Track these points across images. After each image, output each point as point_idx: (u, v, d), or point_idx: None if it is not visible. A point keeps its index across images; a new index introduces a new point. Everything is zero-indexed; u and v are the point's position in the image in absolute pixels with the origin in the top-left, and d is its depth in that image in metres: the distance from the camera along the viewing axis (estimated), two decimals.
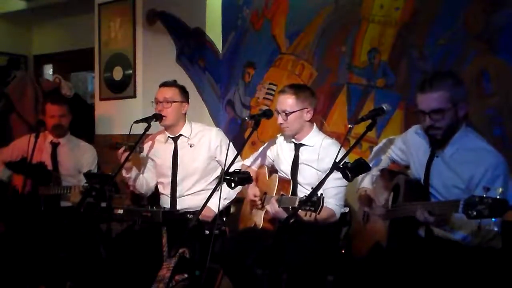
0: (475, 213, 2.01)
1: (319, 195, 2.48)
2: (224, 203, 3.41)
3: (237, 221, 3.53)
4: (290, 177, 3.18)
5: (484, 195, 2.02)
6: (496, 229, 2.06)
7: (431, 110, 2.48)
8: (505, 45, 3.41)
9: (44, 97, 5.24)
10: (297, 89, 3.16)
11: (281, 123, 3.13)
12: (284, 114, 3.09)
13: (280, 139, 3.35)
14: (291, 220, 2.74)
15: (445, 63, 3.63)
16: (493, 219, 2.03)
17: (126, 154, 3.32)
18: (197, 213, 3.10)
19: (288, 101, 3.09)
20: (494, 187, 2.09)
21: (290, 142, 3.23)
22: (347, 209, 3.14)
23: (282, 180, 3.16)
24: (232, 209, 3.68)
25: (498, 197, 2.00)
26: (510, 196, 2.41)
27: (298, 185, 3.15)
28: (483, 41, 3.49)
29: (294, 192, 3.14)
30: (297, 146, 3.19)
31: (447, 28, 3.63)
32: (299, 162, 3.17)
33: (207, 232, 3.29)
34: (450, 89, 2.47)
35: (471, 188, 2.43)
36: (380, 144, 3.10)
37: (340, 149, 2.64)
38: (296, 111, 3.08)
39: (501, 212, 2.00)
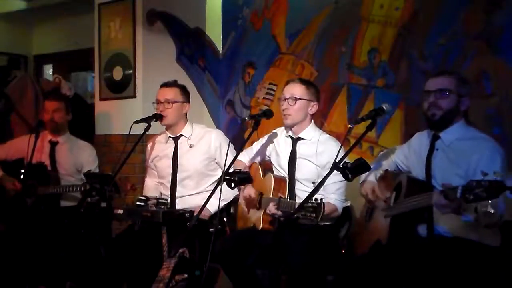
0: (472, 197, 2.05)
1: (319, 200, 2.47)
2: (221, 204, 3.39)
3: (235, 220, 3.53)
4: (287, 173, 3.16)
5: (482, 179, 2.05)
6: (492, 211, 2.07)
7: (437, 89, 2.60)
8: (505, 45, 3.41)
9: (44, 97, 5.25)
10: (307, 82, 3.23)
11: (285, 109, 3.10)
12: (292, 99, 3.08)
13: (276, 134, 3.33)
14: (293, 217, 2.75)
15: (445, 63, 3.63)
16: (489, 200, 2.05)
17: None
18: (193, 212, 3.11)
19: (298, 88, 3.12)
20: (492, 170, 2.09)
21: (287, 137, 3.22)
22: (349, 203, 3.13)
23: (278, 180, 3.14)
24: (232, 210, 3.67)
25: (495, 178, 2.03)
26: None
27: (296, 181, 3.13)
28: (483, 41, 3.49)
29: (292, 189, 3.12)
30: (295, 141, 3.18)
31: (447, 28, 3.63)
32: (297, 156, 3.15)
33: (211, 230, 3.28)
34: (458, 81, 2.63)
35: (469, 174, 2.47)
36: (384, 151, 3.11)
37: (340, 148, 2.64)
38: (305, 99, 3.09)
39: (496, 192, 2.02)
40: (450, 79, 2.62)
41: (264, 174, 3.33)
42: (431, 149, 2.68)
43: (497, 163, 2.45)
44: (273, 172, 3.28)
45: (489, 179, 2.03)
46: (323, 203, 2.45)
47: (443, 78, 2.64)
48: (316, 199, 2.47)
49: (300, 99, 3.09)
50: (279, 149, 3.27)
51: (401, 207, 2.61)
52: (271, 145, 3.35)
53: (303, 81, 3.20)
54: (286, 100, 3.10)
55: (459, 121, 2.65)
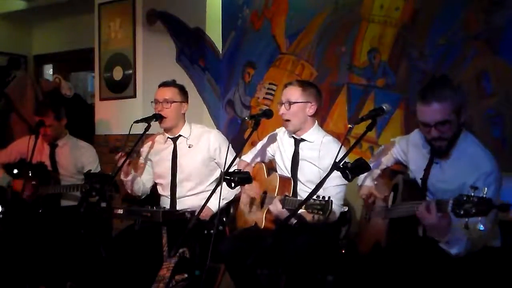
0: (462, 212, 2.05)
1: (326, 198, 2.47)
2: (222, 203, 3.40)
3: (234, 220, 3.53)
4: (290, 174, 3.16)
5: (472, 194, 2.05)
6: (482, 228, 2.08)
7: (437, 122, 2.45)
8: (505, 45, 3.41)
9: (44, 97, 5.25)
10: (304, 83, 3.20)
11: (283, 113, 3.11)
12: (287, 103, 3.08)
13: (280, 134, 3.33)
14: (294, 222, 2.75)
15: (445, 63, 3.63)
16: (479, 218, 2.05)
17: (123, 158, 3.31)
18: (195, 212, 3.11)
19: (293, 92, 3.10)
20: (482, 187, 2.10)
21: (290, 137, 3.22)
22: (346, 208, 3.13)
23: (283, 179, 3.14)
24: (231, 210, 3.68)
25: (484, 196, 2.04)
26: (509, 194, 2.43)
27: (298, 182, 3.13)
28: (483, 41, 3.49)
29: (295, 190, 3.12)
30: (297, 142, 3.18)
31: (447, 28, 3.63)
32: (300, 158, 3.15)
33: (205, 232, 3.29)
34: (452, 98, 2.45)
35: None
36: (382, 147, 3.10)
37: (340, 148, 2.64)
38: (300, 102, 3.08)
39: (486, 210, 2.03)
40: (444, 105, 2.43)
41: (269, 173, 3.33)
42: (430, 161, 2.62)
43: (491, 189, 2.34)
44: (277, 171, 3.28)
45: (479, 196, 2.04)
46: (331, 200, 2.45)
47: (438, 107, 2.43)
48: (323, 197, 2.47)
49: (295, 102, 3.08)
50: (282, 149, 3.27)
51: (397, 212, 2.60)
52: (275, 144, 3.35)
53: (300, 83, 3.17)
54: (283, 105, 3.11)
55: (461, 134, 2.55)
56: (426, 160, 2.64)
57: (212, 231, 3.08)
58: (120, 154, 3.37)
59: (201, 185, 3.53)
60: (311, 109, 3.12)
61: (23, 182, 3.80)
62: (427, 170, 2.62)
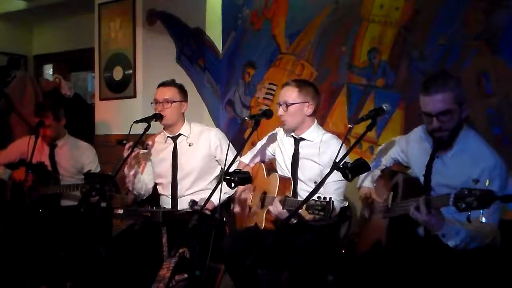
0: (464, 205, 2.04)
1: (327, 198, 2.47)
2: (224, 197, 3.40)
3: (234, 220, 3.53)
4: (290, 173, 3.16)
5: (474, 188, 2.05)
6: (484, 220, 2.08)
7: (438, 112, 2.46)
8: (505, 45, 3.41)
9: (44, 97, 5.26)
10: (300, 83, 3.17)
11: (281, 115, 3.11)
12: (285, 105, 3.08)
13: (280, 133, 3.32)
14: (295, 221, 2.75)
15: (445, 63, 3.63)
16: (481, 210, 2.05)
17: (130, 150, 3.31)
18: (197, 202, 3.10)
19: (290, 93, 3.09)
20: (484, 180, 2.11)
21: (290, 137, 3.22)
22: (346, 203, 3.13)
23: (283, 179, 3.14)
24: (232, 207, 3.67)
25: (486, 188, 2.03)
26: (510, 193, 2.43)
27: (299, 181, 3.13)
28: (483, 41, 3.49)
29: (295, 190, 3.12)
30: (297, 141, 3.17)
31: (447, 28, 3.63)
32: (299, 157, 3.14)
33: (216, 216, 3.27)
34: (454, 90, 2.47)
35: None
36: (383, 145, 3.10)
37: (341, 146, 2.64)
38: (297, 103, 3.07)
39: (488, 202, 2.02)
40: (447, 95, 2.44)
41: (268, 173, 3.32)
42: (432, 156, 2.61)
43: (496, 182, 2.37)
44: (276, 171, 3.28)
45: (480, 188, 2.03)
46: (332, 202, 2.45)
47: (440, 97, 2.45)
48: (324, 198, 2.47)
49: (293, 104, 3.07)
50: (283, 148, 3.27)
51: (396, 210, 2.60)
52: (275, 143, 3.35)
53: (296, 83, 3.14)
54: (281, 106, 3.11)
55: (462, 129, 2.55)
56: (427, 155, 2.63)
57: (213, 231, 3.08)
58: (129, 144, 3.35)
59: (201, 183, 3.54)
60: (309, 108, 3.11)
61: (24, 172, 3.80)
62: (429, 166, 2.61)
